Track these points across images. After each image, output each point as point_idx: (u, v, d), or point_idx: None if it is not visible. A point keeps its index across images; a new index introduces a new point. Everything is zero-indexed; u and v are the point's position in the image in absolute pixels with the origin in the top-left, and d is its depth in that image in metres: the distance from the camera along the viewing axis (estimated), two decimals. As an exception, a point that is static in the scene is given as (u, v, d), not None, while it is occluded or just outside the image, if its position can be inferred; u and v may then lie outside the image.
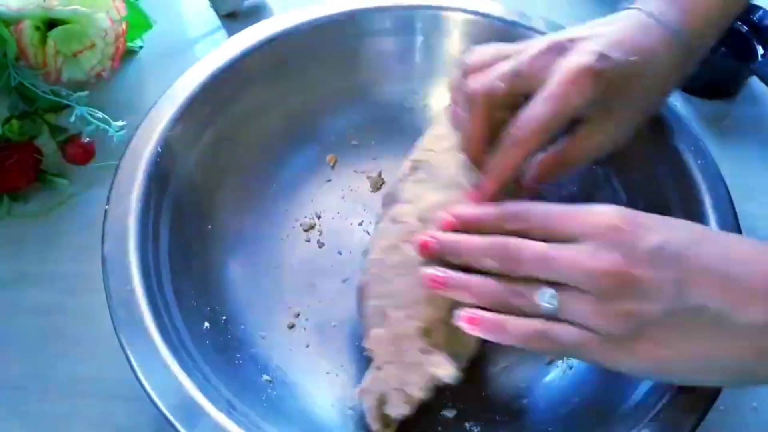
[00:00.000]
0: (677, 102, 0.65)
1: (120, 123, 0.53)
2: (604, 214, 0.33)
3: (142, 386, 0.36)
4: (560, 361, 0.45)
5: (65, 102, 0.54)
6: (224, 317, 0.46)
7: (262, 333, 0.47)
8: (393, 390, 0.39)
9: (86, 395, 0.46)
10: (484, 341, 0.37)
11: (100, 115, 0.53)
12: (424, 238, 0.38)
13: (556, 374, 0.44)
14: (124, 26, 0.58)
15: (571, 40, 0.38)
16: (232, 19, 0.69)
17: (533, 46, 0.39)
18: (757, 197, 0.59)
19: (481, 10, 0.56)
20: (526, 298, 0.34)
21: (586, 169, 0.50)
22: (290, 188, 0.54)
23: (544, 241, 0.34)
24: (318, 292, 0.49)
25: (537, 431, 0.42)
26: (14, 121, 0.54)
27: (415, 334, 0.39)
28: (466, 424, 0.42)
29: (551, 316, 0.33)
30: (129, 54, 0.63)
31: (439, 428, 0.42)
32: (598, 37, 0.38)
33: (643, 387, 0.39)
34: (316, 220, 0.53)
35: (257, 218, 0.52)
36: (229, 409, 0.37)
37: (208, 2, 0.69)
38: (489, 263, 0.35)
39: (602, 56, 0.37)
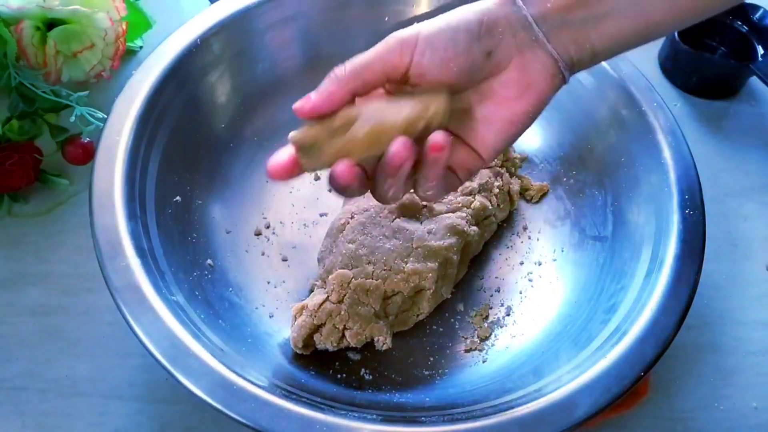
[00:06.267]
0: (677, 102, 0.66)
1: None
2: None
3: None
4: (477, 352, 0.47)
5: (65, 102, 0.54)
6: (200, 201, 0.51)
7: (228, 227, 0.51)
8: (332, 325, 0.43)
9: (86, 395, 0.46)
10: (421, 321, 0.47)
11: (100, 115, 0.53)
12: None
13: (472, 363, 0.47)
14: (124, 26, 0.58)
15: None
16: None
17: None
18: (756, 197, 0.59)
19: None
20: None
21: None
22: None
23: None
24: (295, 214, 0.53)
25: (420, 397, 0.43)
26: (14, 121, 0.54)
27: (378, 294, 0.44)
28: (362, 370, 0.45)
29: None
30: (129, 54, 0.63)
31: (336, 363, 0.45)
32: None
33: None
34: None
35: (271, 136, 0.56)
36: (162, 279, 0.42)
37: (208, 2, 0.69)
38: None
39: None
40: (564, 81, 0.38)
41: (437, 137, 0.35)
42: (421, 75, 0.36)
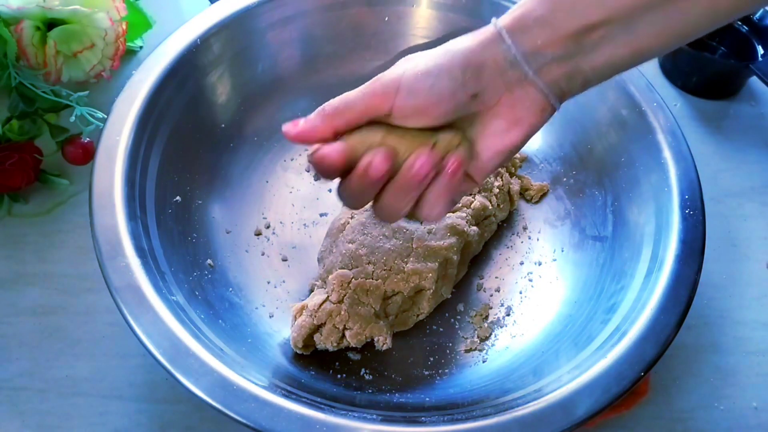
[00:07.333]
0: (677, 102, 0.66)
1: (120, 123, 0.53)
2: None
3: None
4: (477, 352, 0.47)
5: (65, 102, 0.54)
6: (200, 201, 0.51)
7: (228, 227, 0.51)
8: (332, 325, 0.43)
9: (86, 395, 0.46)
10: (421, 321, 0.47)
11: (100, 115, 0.53)
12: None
13: (472, 363, 0.47)
14: (124, 26, 0.58)
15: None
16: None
17: None
18: (756, 197, 0.59)
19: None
20: None
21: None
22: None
23: None
24: (295, 213, 0.53)
25: (420, 397, 0.44)
26: (14, 121, 0.54)
27: (378, 294, 0.44)
28: (362, 370, 0.45)
29: None
30: (129, 54, 0.63)
31: (337, 364, 0.45)
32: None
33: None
34: None
35: (271, 136, 0.56)
36: (162, 279, 0.42)
37: (208, 2, 0.69)
38: None
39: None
40: (554, 111, 0.38)
41: (459, 154, 0.37)
42: (403, 118, 0.37)
